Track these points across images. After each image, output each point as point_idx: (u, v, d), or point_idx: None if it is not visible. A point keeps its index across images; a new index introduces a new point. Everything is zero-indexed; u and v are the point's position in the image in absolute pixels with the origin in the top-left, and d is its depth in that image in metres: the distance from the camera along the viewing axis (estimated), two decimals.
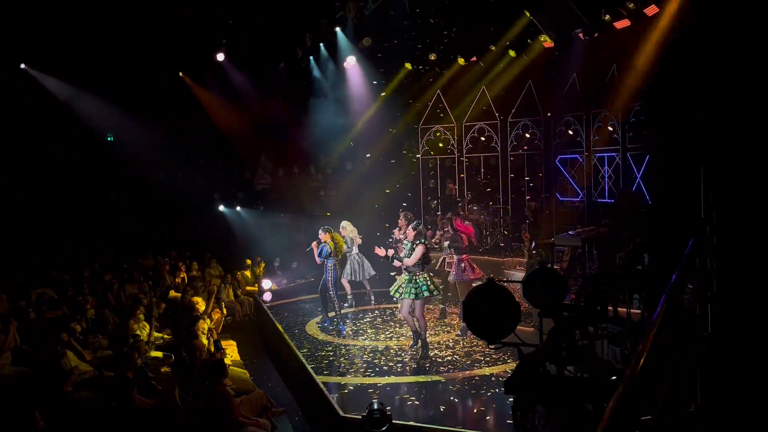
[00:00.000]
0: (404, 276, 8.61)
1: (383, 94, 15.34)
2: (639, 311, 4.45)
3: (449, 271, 10.00)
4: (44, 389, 6.57)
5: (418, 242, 8.52)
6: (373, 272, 11.91)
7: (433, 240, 10.34)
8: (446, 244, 10.33)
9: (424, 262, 8.60)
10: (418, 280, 8.44)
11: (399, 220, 10.49)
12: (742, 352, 3.73)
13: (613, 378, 2.35)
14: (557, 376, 2.20)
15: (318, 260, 10.41)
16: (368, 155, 16.03)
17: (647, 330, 1.86)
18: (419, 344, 8.76)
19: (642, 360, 1.55)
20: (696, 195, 3.64)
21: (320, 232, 10.46)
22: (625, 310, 3.51)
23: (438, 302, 10.92)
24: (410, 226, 8.74)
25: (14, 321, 8.58)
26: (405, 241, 8.77)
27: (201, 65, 15.76)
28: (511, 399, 6.89)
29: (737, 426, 3.19)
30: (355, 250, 11.81)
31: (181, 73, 16.14)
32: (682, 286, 2.64)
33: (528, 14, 12.22)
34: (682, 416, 2.47)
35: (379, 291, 12.06)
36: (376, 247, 8.93)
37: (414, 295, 8.40)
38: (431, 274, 8.66)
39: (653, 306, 3.37)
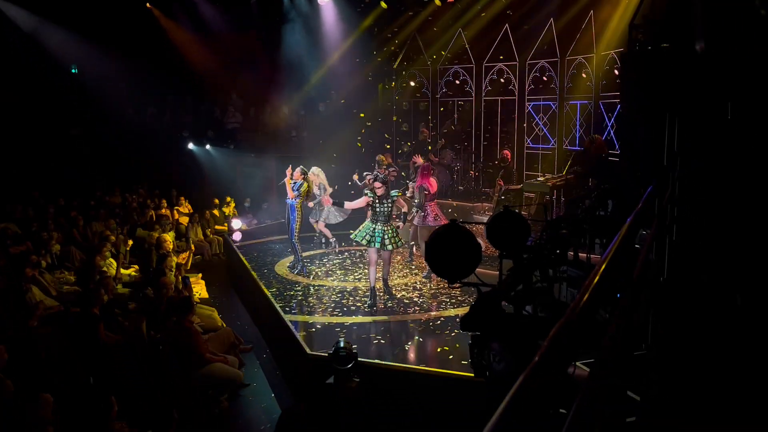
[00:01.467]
0: (367, 223, 8.58)
1: (356, 32, 14.97)
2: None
3: (414, 216, 10.01)
4: (8, 323, 6.54)
5: (394, 197, 8.49)
6: (338, 219, 11.72)
7: (407, 194, 10.24)
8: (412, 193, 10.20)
9: (389, 215, 8.51)
10: (376, 229, 8.44)
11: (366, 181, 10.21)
12: (695, 299, 3.87)
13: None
14: (513, 315, 2.26)
15: (292, 194, 10.10)
16: (342, 101, 15.77)
17: (595, 267, 1.91)
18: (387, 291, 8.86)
19: (586, 295, 1.59)
20: (660, 142, 3.69)
21: (297, 170, 10.18)
22: (586, 255, 3.59)
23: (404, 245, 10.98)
24: (377, 180, 8.57)
25: None
26: (371, 194, 8.57)
27: None
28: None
29: (683, 370, 3.33)
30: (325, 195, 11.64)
31: (148, 4, 15.54)
32: (636, 229, 2.70)
33: None
34: (628, 357, 2.56)
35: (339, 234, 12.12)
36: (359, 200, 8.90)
37: (366, 242, 8.44)
38: (392, 226, 8.58)
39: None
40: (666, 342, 3.28)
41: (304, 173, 10.23)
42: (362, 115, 15.10)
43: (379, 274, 8.90)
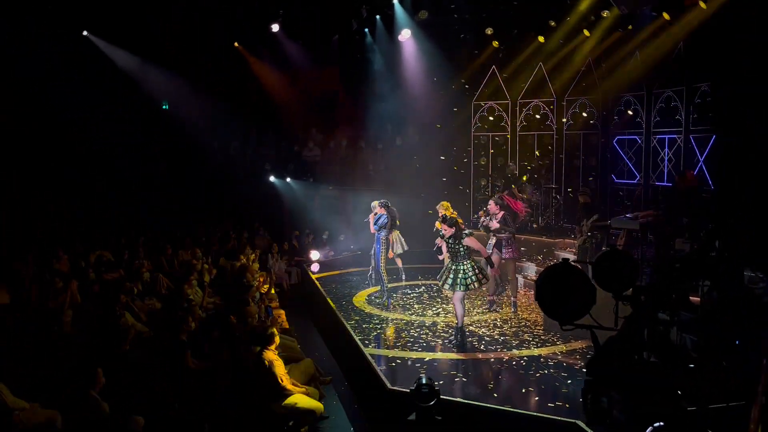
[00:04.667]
0: (451, 265, 8.42)
1: (457, 82, 15.08)
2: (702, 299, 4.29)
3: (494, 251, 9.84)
4: (104, 347, 6.81)
5: (465, 235, 8.33)
6: (406, 248, 11.69)
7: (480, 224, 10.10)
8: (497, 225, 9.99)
9: (468, 252, 8.40)
10: (465, 270, 8.30)
11: (489, 206, 10.08)
12: None
13: (691, 366, 2.27)
14: (636, 362, 2.13)
15: (373, 229, 10.39)
16: (420, 134, 15.81)
17: None
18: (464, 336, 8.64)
19: None
20: None
21: (377, 205, 10.47)
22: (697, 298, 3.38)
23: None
24: (440, 220, 8.54)
25: (75, 280, 8.91)
26: (442, 233, 8.52)
27: (256, 36, 15.82)
28: (569, 381, 6.82)
29: None
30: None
31: (236, 44, 16.25)
32: None
33: None
34: None
35: (417, 267, 12.08)
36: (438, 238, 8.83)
37: (450, 287, 8.31)
38: (475, 262, 8.45)
39: (726, 292, 3.24)
40: None
41: (385, 205, 10.40)
42: (443, 157, 15.12)
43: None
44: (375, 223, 10.39)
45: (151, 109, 16.35)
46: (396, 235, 11.51)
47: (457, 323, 8.40)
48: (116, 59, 15.11)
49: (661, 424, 1.89)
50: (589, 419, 2.27)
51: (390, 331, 9.08)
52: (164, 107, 17.00)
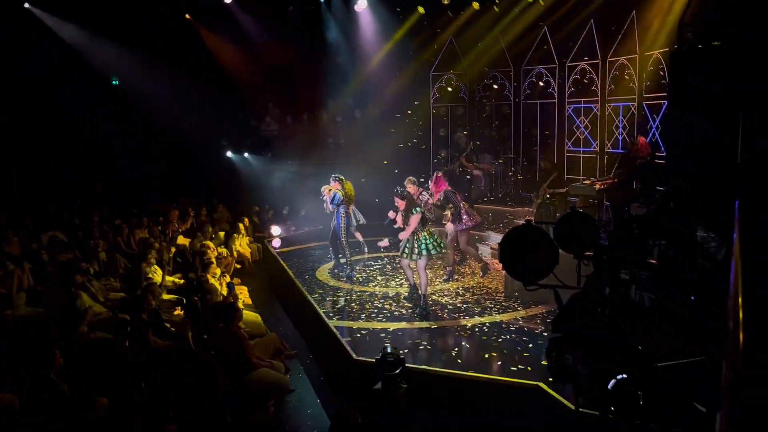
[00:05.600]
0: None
1: (393, 38, 14.91)
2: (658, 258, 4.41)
3: (446, 223, 9.94)
4: (60, 329, 6.65)
5: (413, 213, 8.36)
6: (363, 221, 11.64)
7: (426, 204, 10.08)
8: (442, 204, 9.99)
9: (423, 223, 8.46)
10: (418, 239, 8.35)
11: (408, 187, 10.01)
12: None
13: (648, 322, 2.33)
14: (598, 318, 2.17)
15: (330, 208, 10.33)
16: (382, 105, 15.72)
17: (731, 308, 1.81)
18: (416, 295, 8.74)
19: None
20: (730, 142, 3.53)
21: (331, 180, 10.39)
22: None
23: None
24: (398, 195, 8.53)
25: (27, 262, 8.66)
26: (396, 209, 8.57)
27: (208, 7, 15.38)
28: (530, 345, 6.96)
29: None
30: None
31: (187, 15, 15.77)
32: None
33: None
34: None
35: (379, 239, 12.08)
36: (392, 211, 8.77)
37: (407, 256, 8.36)
38: (431, 230, 8.52)
39: (680, 251, 3.33)
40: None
41: (340, 180, 10.32)
42: (393, 130, 15.03)
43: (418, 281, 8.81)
44: (332, 202, 10.32)
45: (101, 84, 15.81)
46: (353, 208, 11.47)
47: (420, 291, 8.48)
48: (62, 33, 14.50)
49: (624, 376, 1.94)
50: (554, 376, 2.31)
51: (354, 304, 9.11)
52: (114, 82, 16.45)
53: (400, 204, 8.40)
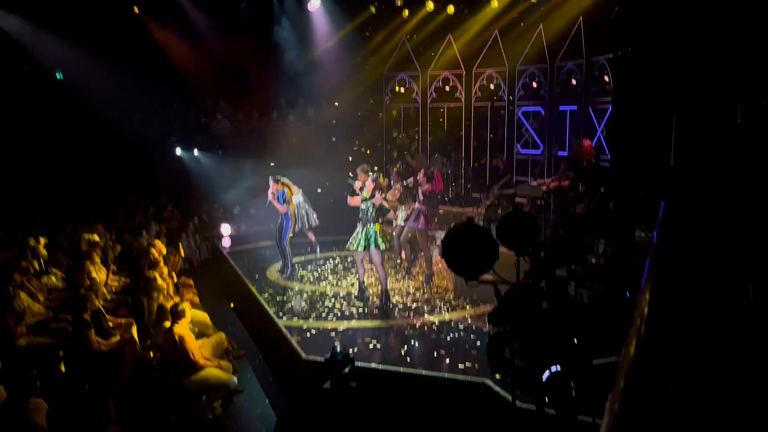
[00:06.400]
0: (358, 227, 8.58)
1: (343, 34, 14.87)
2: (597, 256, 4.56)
3: (405, 223, 9.99)
4: None
5: (376, 194, 8.45)
6: (317, 222, 11.67)
7: (395, 189, 10.21)
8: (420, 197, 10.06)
9: (380, 213, 8.53)
10: (369, 232, 8.43)
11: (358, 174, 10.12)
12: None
13: (585, 316, 2.41)
14: (538, 312, 2.24)
15: (282, 207, 10.19)
16: (336, 103, 15.70)
17: (641, 294, 1.89)
18: (366, 294, 8.79)
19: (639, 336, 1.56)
20: (664, 146, 3.69)
21: (271, 181, 10.28)
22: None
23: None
24: (369, 178, 8.60)
25: None
26: (364, 194, 8.59)
27: (158, 1, 15.05)
28: (478, 343, 7.07)
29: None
30: (300, 199, 11.55)
31: (135, 9, 15.40)
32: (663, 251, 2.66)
33: None
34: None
35: (331, 239, 12.11)
36: (350, 197, 8.76)
37: (363, 248, 8.41)
38: (382, 225, 8.60)
39: (619, 249, 3.45)
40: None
41: (279, 180, 10.22)
42: (355, 148, 15.03)
43: (371, 279, 8.86)
44: (282, 201, 10.21)
45: (45, 78, 15.28)
46: (306, 208, 11.44)
47: (381, 287, 8.53)
48: (4, 24, 13.96)
49: (558, 368, 2.00)
50: (493, 370, 2.37)
51: (305, 303, 9.07)
52: (58, 77, 15.92)
53: (369, 185, 8.41)
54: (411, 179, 10.12)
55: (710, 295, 3.65)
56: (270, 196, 10.28)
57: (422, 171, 9.93)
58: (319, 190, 11.26)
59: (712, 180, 3.49)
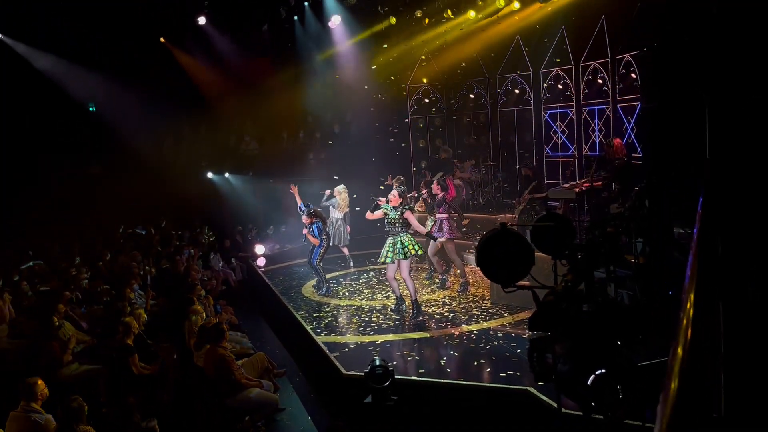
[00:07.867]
0: (388, 240, 8.56)
1: (357, 37, 14.88)
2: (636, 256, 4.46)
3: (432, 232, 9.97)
4: (44, 359, 6.56)
5: (405, 208, 8.46)
6: (349, 239, 11.77)
7: (420, 200, 10.29)
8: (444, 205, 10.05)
9: (405, 225, 8.52)
10: (402, 241, 8.41)
11: (394, 184, 10.22)
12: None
13: (627, 318, 2.35)
14: (578, 315, 2.19)
15: (315, 240, 10.21)
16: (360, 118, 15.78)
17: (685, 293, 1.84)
18: (403, 307, 8.78)
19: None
20: (699, 140, 3.60)
21: (304, 216, 10.34)
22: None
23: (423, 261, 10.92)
24: (394, 192, 8.61)
25: (8, 294, 8.53)
26: (387, 206, 8.60)
27: (182, 29, 15.38)
28: (518, 350, 6.98)
29: None
30: (337, 215, 11.65)
31: (162, 39, 15.76)
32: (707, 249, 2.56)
33: None
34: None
35: (364, 254, 12.16)
36: (369, 212, 8.81)
37: (394, 259, 8.40)
38: (411, 234, 8.61)
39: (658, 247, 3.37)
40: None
41: (313, 214, 10.24)
42: (373, 159, 15.02)
43: (406, 291, 8.82)
44: (315, 234, 10.21)
45: (78, 111, 15.69)
46: (340, 222, 11.54)
47: (411, 298, 8.51)
48: (35, 62, 14.41)
49: (603, 371, 1.96)
50: (536, 377, 2.33)
51: (341, 319, 9.09)
52: (91, 109, 16.35)
53: (394, 200, 8.44)
54: (425, 190, 10.16)
55: (752, 291, 3.53)
56: (304, 231, 10.38)
57: (435, 180, 9.93)
58: (357, 208, 11.42)
59: (747, 173, 3.39)
